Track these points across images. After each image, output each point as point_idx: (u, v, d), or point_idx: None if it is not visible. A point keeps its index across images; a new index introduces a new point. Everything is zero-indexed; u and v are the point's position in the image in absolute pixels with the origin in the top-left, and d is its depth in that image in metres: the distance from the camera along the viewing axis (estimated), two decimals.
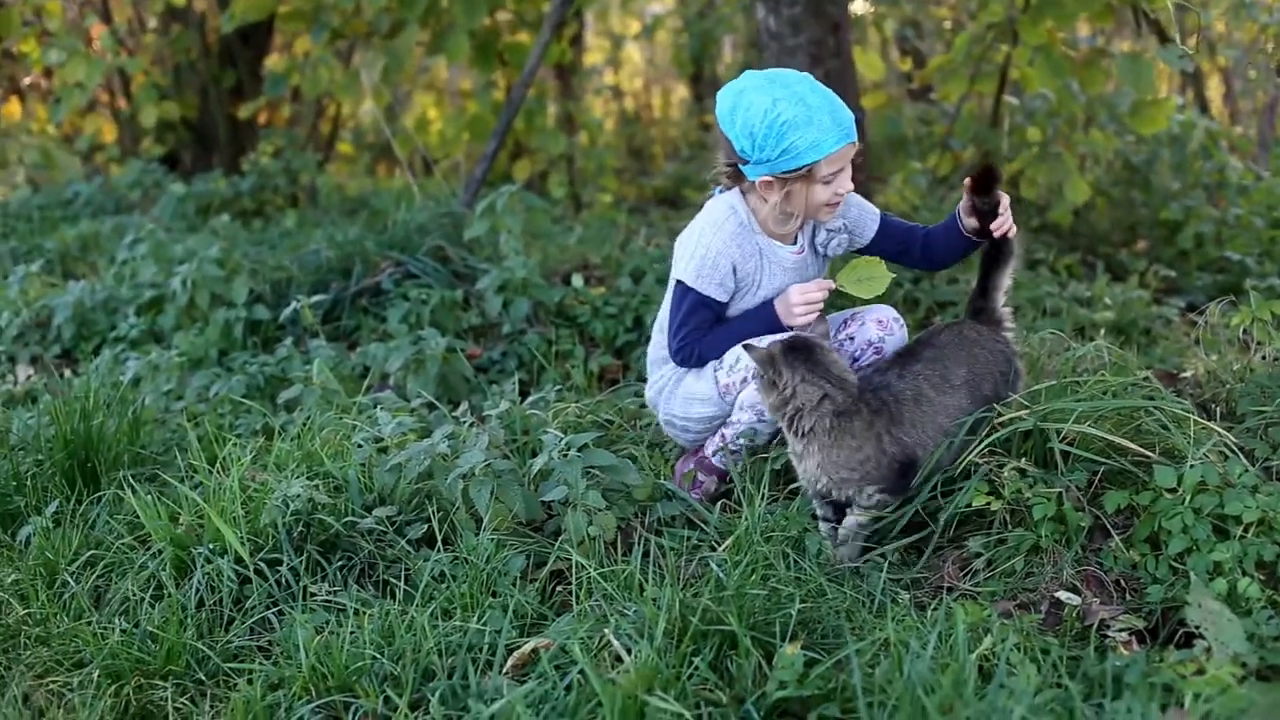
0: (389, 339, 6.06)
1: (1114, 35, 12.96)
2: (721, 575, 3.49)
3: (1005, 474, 3.81)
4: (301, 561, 3.90)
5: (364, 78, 10.09)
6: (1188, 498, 3.56)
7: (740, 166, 4.11)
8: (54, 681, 3.52)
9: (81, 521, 4.36)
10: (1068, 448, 3.91)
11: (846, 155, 4.02)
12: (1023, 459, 3.92)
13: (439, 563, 3.81)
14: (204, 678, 3.49)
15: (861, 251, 4.47)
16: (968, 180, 4.23)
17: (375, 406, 4.93)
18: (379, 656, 3.35)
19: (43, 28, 12.57)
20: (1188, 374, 5.21)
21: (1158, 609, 3.41)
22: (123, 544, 4.09)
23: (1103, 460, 3.89)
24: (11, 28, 11.92)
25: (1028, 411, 3.97)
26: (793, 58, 6.98)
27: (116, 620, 3.74)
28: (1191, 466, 3.62)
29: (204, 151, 12.59)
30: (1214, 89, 13.68)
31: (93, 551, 4.10)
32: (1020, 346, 4.55)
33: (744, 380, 4.22)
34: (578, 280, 6.51)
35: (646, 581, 3.53)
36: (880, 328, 4.39)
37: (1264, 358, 4.89)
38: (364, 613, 3.57)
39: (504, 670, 3.30)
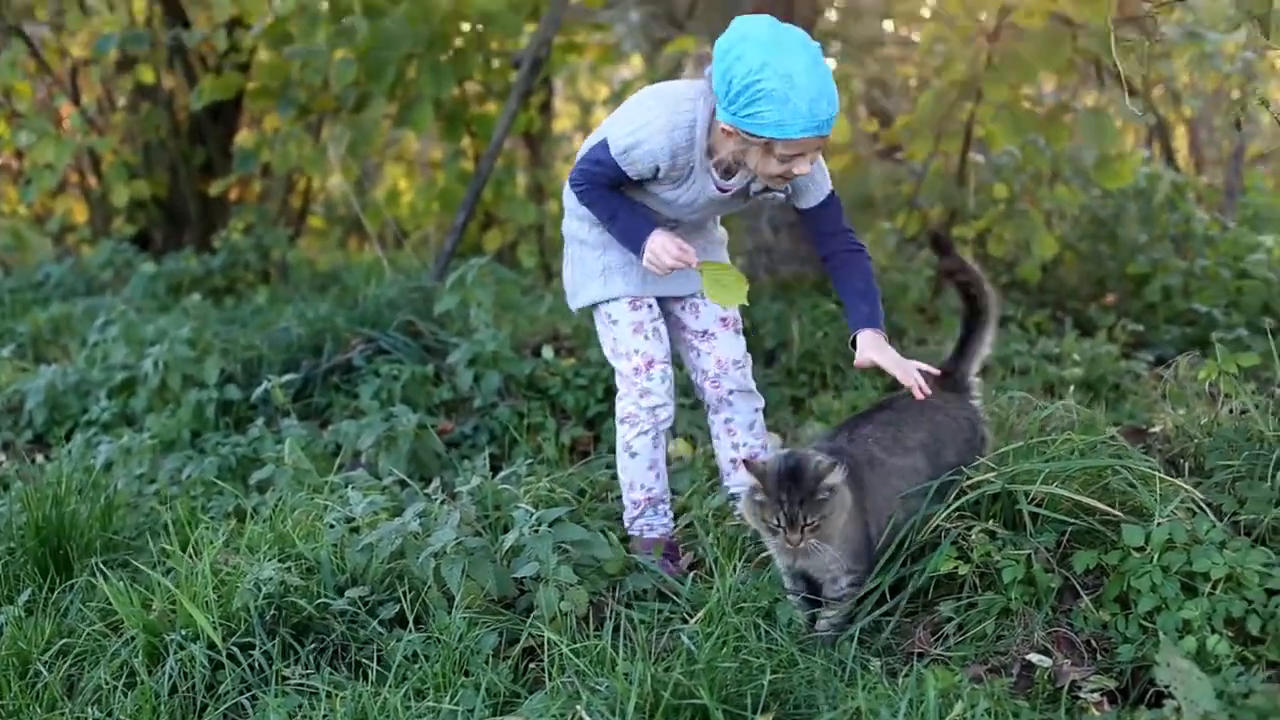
0: (361, 416, 6.05)
1: (1079, 89, 13.05)
2: (693, 648, 3.50)
3: (974, 537, 3.82)
4: (274, 645, 3.89)
5: (331, 152, 10.12)
6: (1156, 556, 3.58)
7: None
8: None
9: (54, 610, 4.35)
10: (1036, 509, 3.92)
11: (810, 145, 3.96)
12: (991, 521, 3.92)
13: (411, 643, 3.81)
14: None
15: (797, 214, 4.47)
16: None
17: (347, 485, 4.92)
18: None
19: (12, 109, 12.59)
20: (1156, 429, 5.22)
21: (1128, 668, 3.44)
22: (95, 631, 4.09)
23: (1071, 520, 3.90)
24: None
25: (995, 474, 3.99)
26: None
27: (89, 710, 3.74)
28: (1159, 524, 3.63)
29: (175, 230, 12.58)
30: (1180, 139, 13.76)
31: (65, 640, 4.09)
32: (986, 410, 4.57)
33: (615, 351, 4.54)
34: (548, 352, 6.54)
35: (618, 656, 3.54)
36: (718, 366, 4.64)
37: (1231, 411, 4.91)
38: (337, 695, 3.57)
39: None
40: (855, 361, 4.25)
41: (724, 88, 3.91)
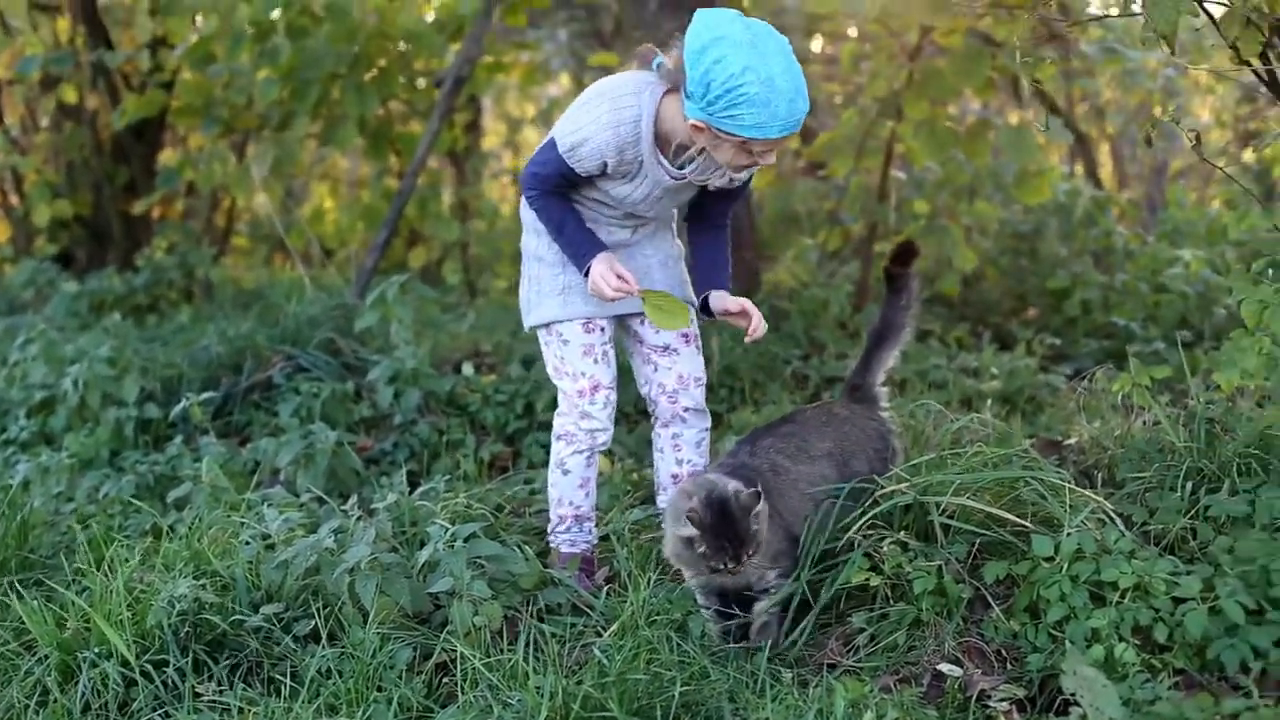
0: (281, 434, 6.04)
1: (1004, 106, 13.15)
2: (605, 661, 3.51)
3: (885, 549, 3.84)
4: (188, 662, 3.87)
5: (254, 170, 10.10)
6: (1065, 566, 3.61)
7: (682, 94, 4.02)
8: None
9: None
10: (948, 520, 3.95)
11: (781, 142, 3.98)
12: (903, 533, 3.95)
13: (325, 658, 3.80)
14: None
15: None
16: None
17: (264, 503, 4.91)
18: None
19: None
20: (1071, 441, 5.28)
21: (1038, 677, 3.47)
22: (9, 650, 4.06)
23: (982, 531, 3.93)
24: None
25: (907, 485, 4.01)
26: None
27: None
28: (1068, 535, 3.67)
29: (98, 248, 12.48)
30: (1105, 155, 13.89)
31: None
32: (900, 422, 4.60)
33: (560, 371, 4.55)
34: (468, 369, 6.54)
35: (531, 670, 3.54)
36: (679, 382, 4.64)
37: (1144, 423, 4.96)
38: (250, 711, 3.56)
39: None
40: (714, 311, 4.42)
41: (701, 89, 3.88)
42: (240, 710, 3.57)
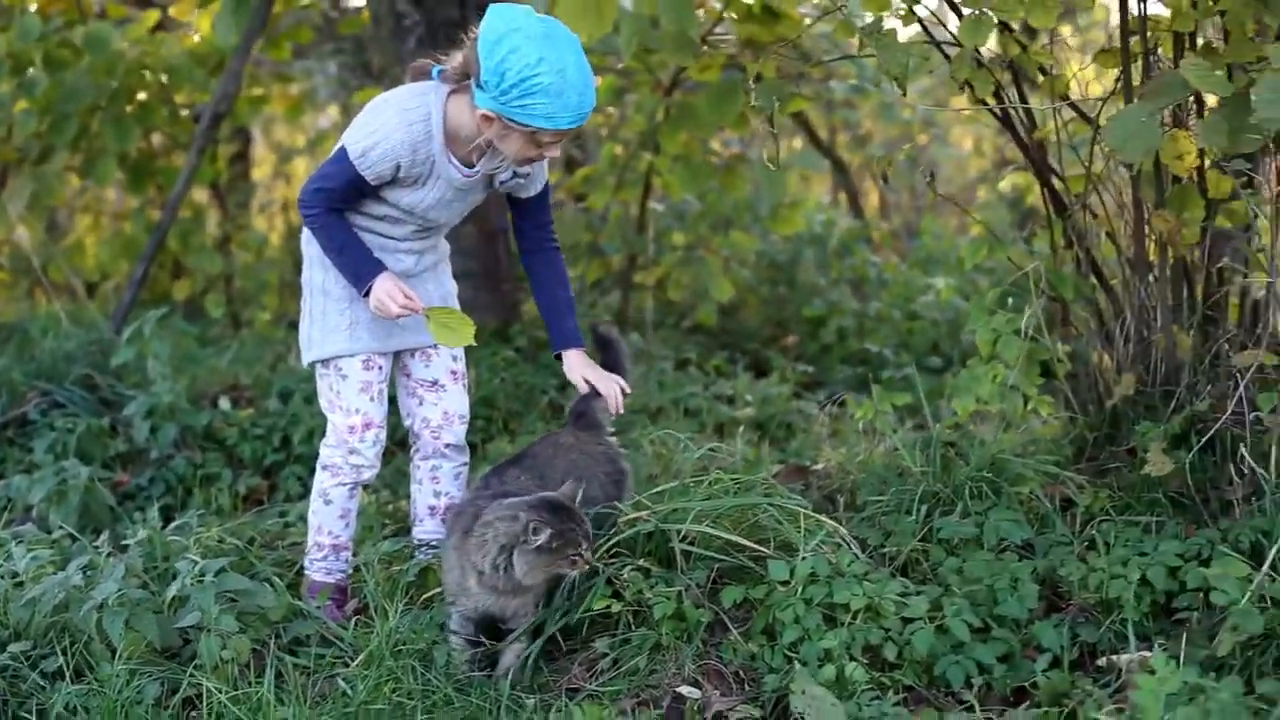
0: (35, 470, 5.96)
1: (764, 140, 13.36)
2: (349, 691, 3.55)
3: (626, 575, 3.93)
4: None
5: (11, 206, 9.92)
6: (800, 589, 3.73)
7: (473, 85, 4.08)
8: None
9: None
10: (688, 547, 4.05)
11: (569, 134, 4.07)
12: (645, 559, 4.03)
13: (71, 695, 3.78)
14: None
15: (509, 204, 4.60)
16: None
17: (13, 540, 4.86)
18: None
19: None
20: (819, 466, 5.42)
21: (773, 697, 3.56)
22: None
23: (722, 557, 4.04)
24: None
25: (649, 513, 4.11)
26: None
27: None
28: (803, 559, 3.78)
29: None
30: (871, 185, 14.15)
31: None
32: (646, 450, 4.70)
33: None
34: (225, 403, 6.52)
35: (276, 703, 3.57)
36: (444, 418, 4.68)
37: (885, 448, 5.12)
38: None
39: None
40: (569, 376, 4.50)
41: (496, 78, 3.93)
42: None
